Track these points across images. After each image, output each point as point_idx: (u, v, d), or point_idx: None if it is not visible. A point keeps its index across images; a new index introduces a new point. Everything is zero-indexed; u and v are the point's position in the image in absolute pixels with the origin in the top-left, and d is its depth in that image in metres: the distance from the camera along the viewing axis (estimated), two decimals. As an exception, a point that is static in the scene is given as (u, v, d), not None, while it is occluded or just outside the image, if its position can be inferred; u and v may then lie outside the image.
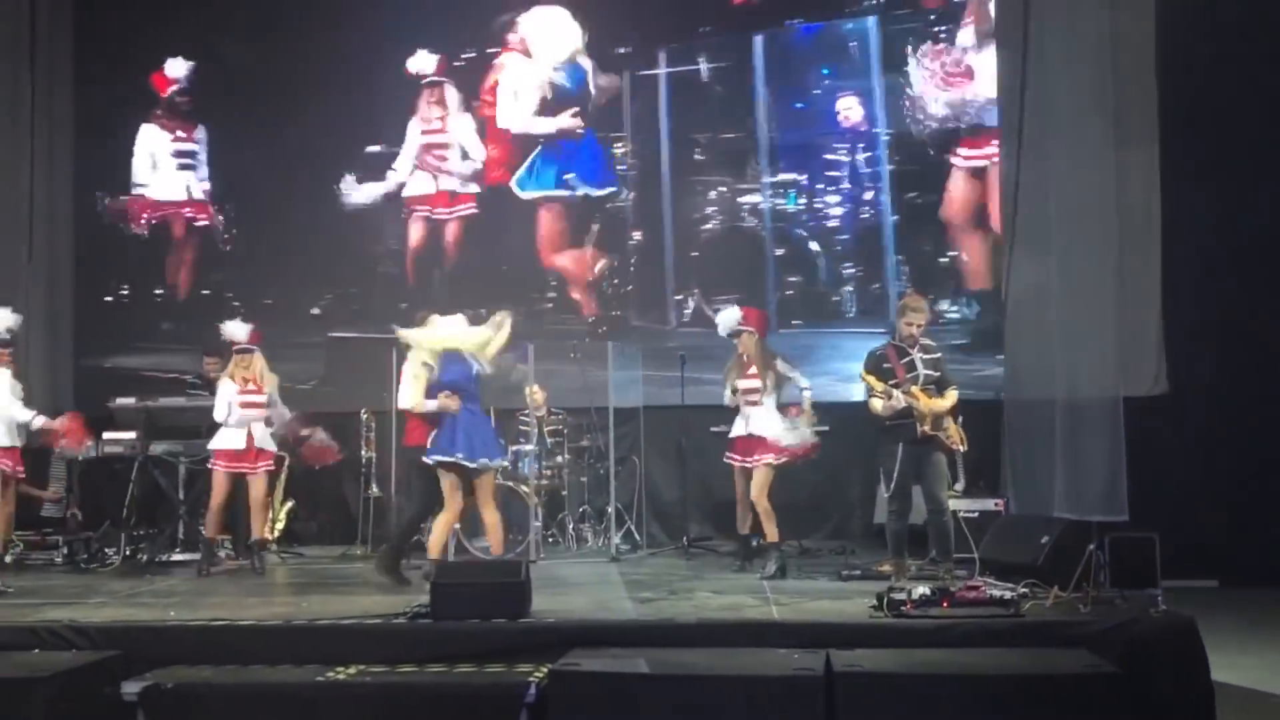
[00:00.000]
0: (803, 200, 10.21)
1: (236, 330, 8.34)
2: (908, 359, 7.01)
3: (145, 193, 10.79)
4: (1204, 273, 8.63)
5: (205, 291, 10.76)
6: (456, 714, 5.15)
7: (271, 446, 8.26)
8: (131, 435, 8.78)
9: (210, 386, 9.29)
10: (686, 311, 10.12)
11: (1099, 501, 7.82)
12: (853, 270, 10.09)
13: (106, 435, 8.73)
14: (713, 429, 8.45)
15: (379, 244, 10.66)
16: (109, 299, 10.75)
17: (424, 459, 7.17)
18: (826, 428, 7.80)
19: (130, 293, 10.84)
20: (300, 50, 10.48)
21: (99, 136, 10.70)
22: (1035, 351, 8.44)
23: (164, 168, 10.79)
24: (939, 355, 7.17)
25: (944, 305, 9.77)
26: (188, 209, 10.81)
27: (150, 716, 5.18)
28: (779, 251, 10.16)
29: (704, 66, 10.29)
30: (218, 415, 8.13)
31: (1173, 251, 8.50)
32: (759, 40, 10.19)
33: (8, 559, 8.75)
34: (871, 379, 7.00)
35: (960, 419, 7.20)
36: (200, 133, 10.79)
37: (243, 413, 8.06)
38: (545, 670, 5.22)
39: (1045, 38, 8.45)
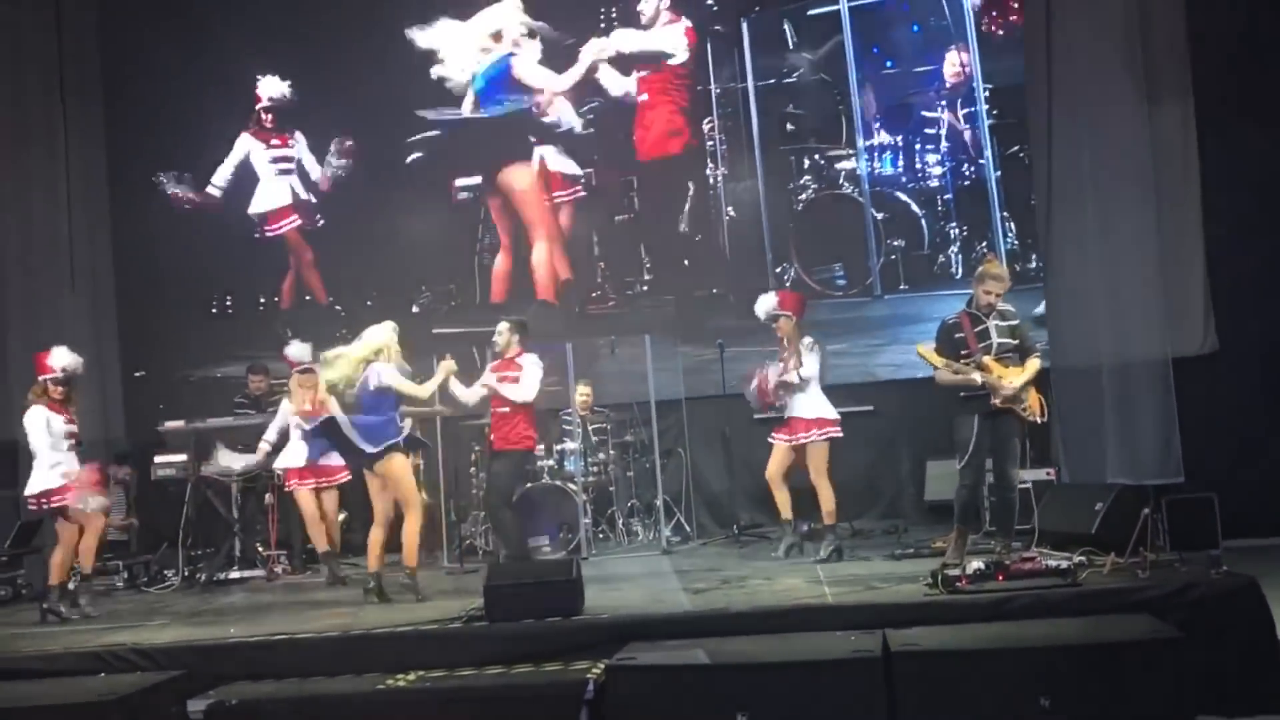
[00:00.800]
0: (901, 162, 10.04)
1: (300, 352, 8.52)
2: (981, 327, 6.56)
3: (255, 209, 10.90)
4: (1246, 226, 8.45)
5: (307, 297, 10.87)
6: (517, 714, 5.16)
7: (338, 461, 8.27)
8: (182, 458, 8.91)
9: (257, 404, 9.44)
10: (787, 281, 9.96)
11: (1153, 464, 7.74)
12: (957, 230, 9.88)
13: (158, 459, 8.86)
14: (756, 416, 8.42)
15: (472, 235, 10.65)
16: (214, 310, 10.91)
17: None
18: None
19: (233, 301, 10.99)
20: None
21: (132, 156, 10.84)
22: (1079, 317, 8.35)
23: (265, 176, 10.89)
24: (1017, 323, 6.67)
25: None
26: (293, 215, 10.90)
27: (216, 733, 5.26)
28: (880, 216, 9.97)
29: (789, 33, 10.15)
30: (268, 435, 8.25)
31: (1213, 206, 8.34)
32: (844, 5, 10.02)
33: (71, 585, 8.92)
34: (929, 354, 6.58)
35: (1039, 390, 6.74)
36: (297, 138, 10.90)
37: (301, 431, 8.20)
38: (603, 666, 5.23)
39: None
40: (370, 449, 6.89)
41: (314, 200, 10.95)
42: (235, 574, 8.78)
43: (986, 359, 6.51)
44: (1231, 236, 8.37)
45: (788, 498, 7.73)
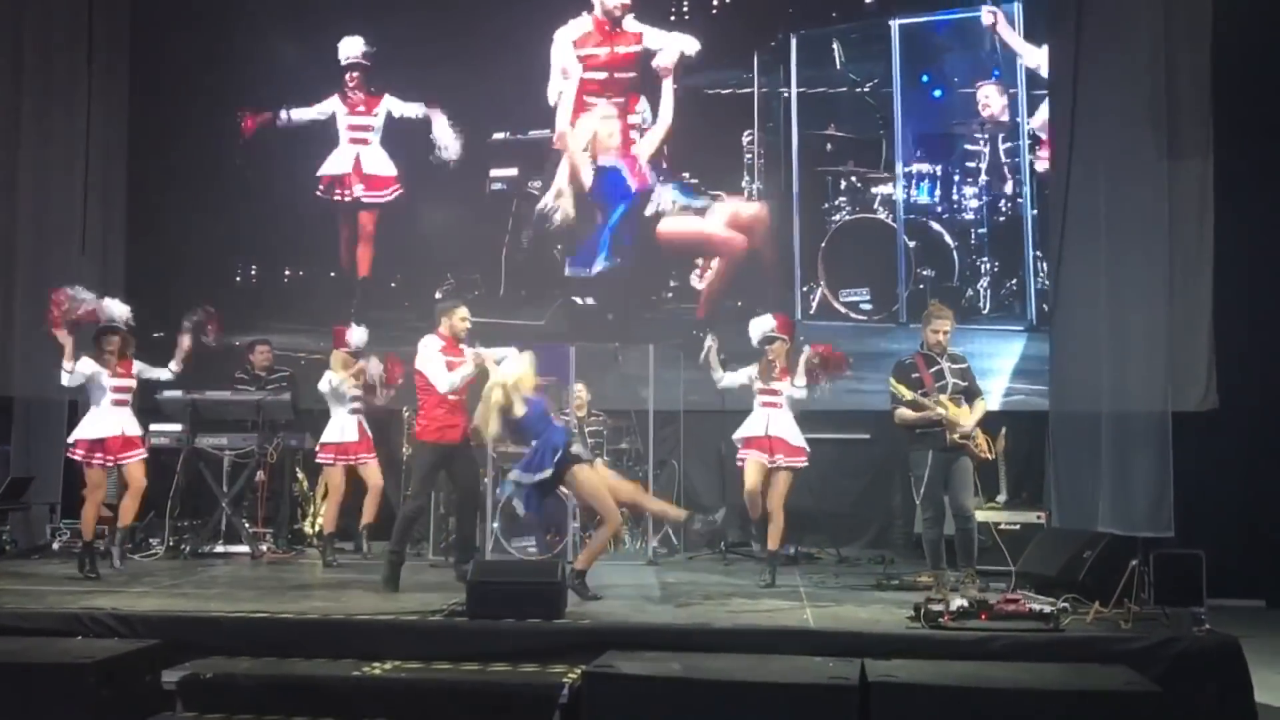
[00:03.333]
0: (938, 192, 10.00)
1: (359, 336, 8.72)
2: (936, 368, 7.08)
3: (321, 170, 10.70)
4: (1255, 288, 8.48)
5: (332, 274, 10.76)
6: (490, 713, 5.17)
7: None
8: (178, 427, 8.92)
9: (257, 379, 9.46)
10: (814, 302, 9.96)
11: (1144, 517, 7.72)
12: (988, 265, 9.86)
13: (153, 427, 8.87)
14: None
15: (502, 227, 10.56)
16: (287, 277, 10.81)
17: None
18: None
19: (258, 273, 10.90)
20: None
21: (155, 121, 10.77)
22: (1082, 363, 8.36)
23: (341, 139, 10.72)
24: (966, 365, 7.25)
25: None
26: (351, 182, 10.69)
27: (189, 705, 5.26)
28: (911, 244, 9.94)
29: (838, 53, 10.11)
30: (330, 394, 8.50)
31: (1224, 265, 8.35)
32: (896, 26, 9.98)
33: (55, 546, 8.94)
34: (900, 387, 7.04)
35: (987, 429, 7.22)
36: (382, 107, 10.70)
37: (351, 405, 8.43)
38: (579, 671, 5.23)
39: (1097, 47, 8.37)
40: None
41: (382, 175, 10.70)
42: (220, 548, 8.79)
43: (942, 397, 6.98)
44: (1240, 297, 8.38)
45: (781, 528, 7.58)
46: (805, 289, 10.10)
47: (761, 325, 7.78)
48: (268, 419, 8.99)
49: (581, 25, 10.38)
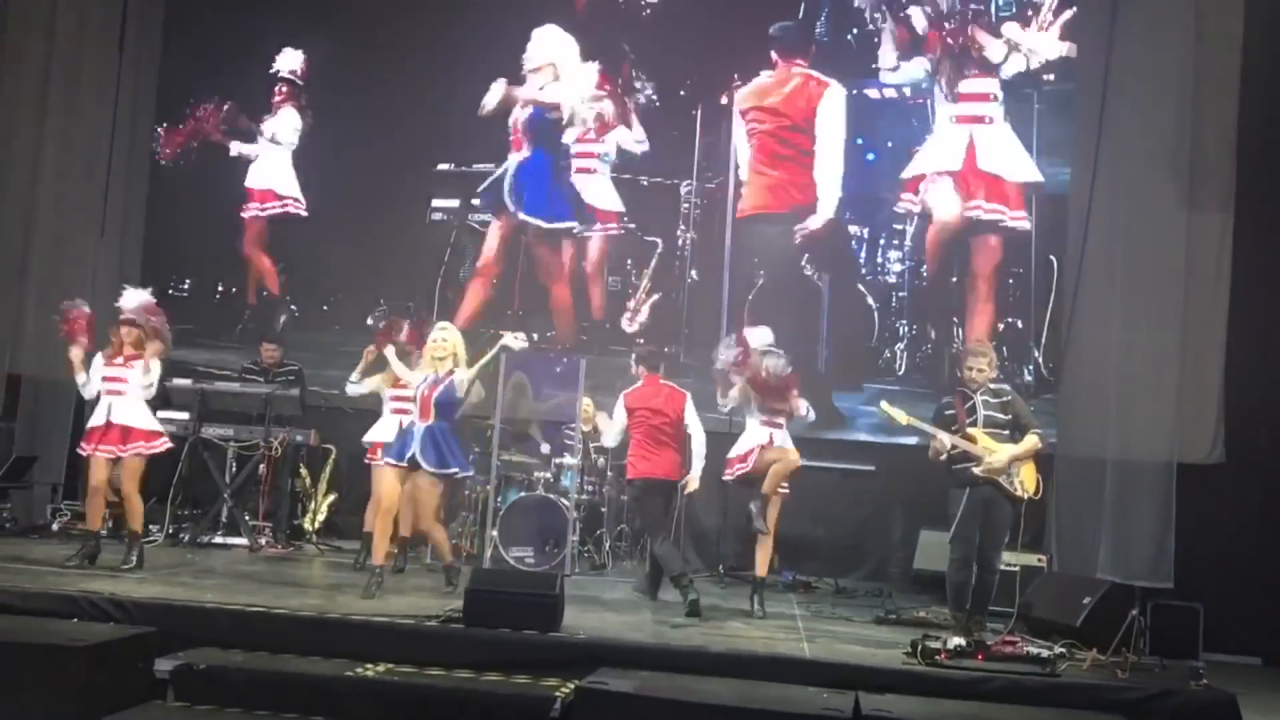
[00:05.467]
0: (864, 253, 10.08)
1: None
2: (970, 403, 6.75)
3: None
4: (1269, 343, 8.45)
5: (264, 292, 10.80)
6: (480, 721, 5.16)
7: None
8: (185, 416, 8.93)
9: (266, 373, 9.48)
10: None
11: (1145, 566, 7.73)
12: (906, 328, 9.92)
13: (161, 414, 8.86)
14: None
15: (439, 257, 10.61)
16: (170, 291, 10.59)
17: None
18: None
19: (190, 287, 10.86)
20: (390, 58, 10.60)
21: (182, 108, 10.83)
22: (1090, 409, 8.37)
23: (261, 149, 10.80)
24: (1009, 399, 6.81)
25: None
26: (282, 201, 10.80)
27: (180, 694, 5.26)
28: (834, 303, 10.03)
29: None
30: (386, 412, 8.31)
31: (1238, 320, 8.34)
32: (833, 91, 10.02)
33: (54, 526, 8.94)
34: (892, 410, 6.80)
35: (1031, 467, 6.79)
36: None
37: (394, 405, 8.15)
38: (572, 686, 5.23)
39: (1125, 98, 8.41)
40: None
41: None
42: (219, 539, 8.78)
43: (972, 430, 6.64)
44: (1252, 351, 8.37)
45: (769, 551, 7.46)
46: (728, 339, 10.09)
47: (729, 355, 7.47)
48: (274, 413, 8.99)
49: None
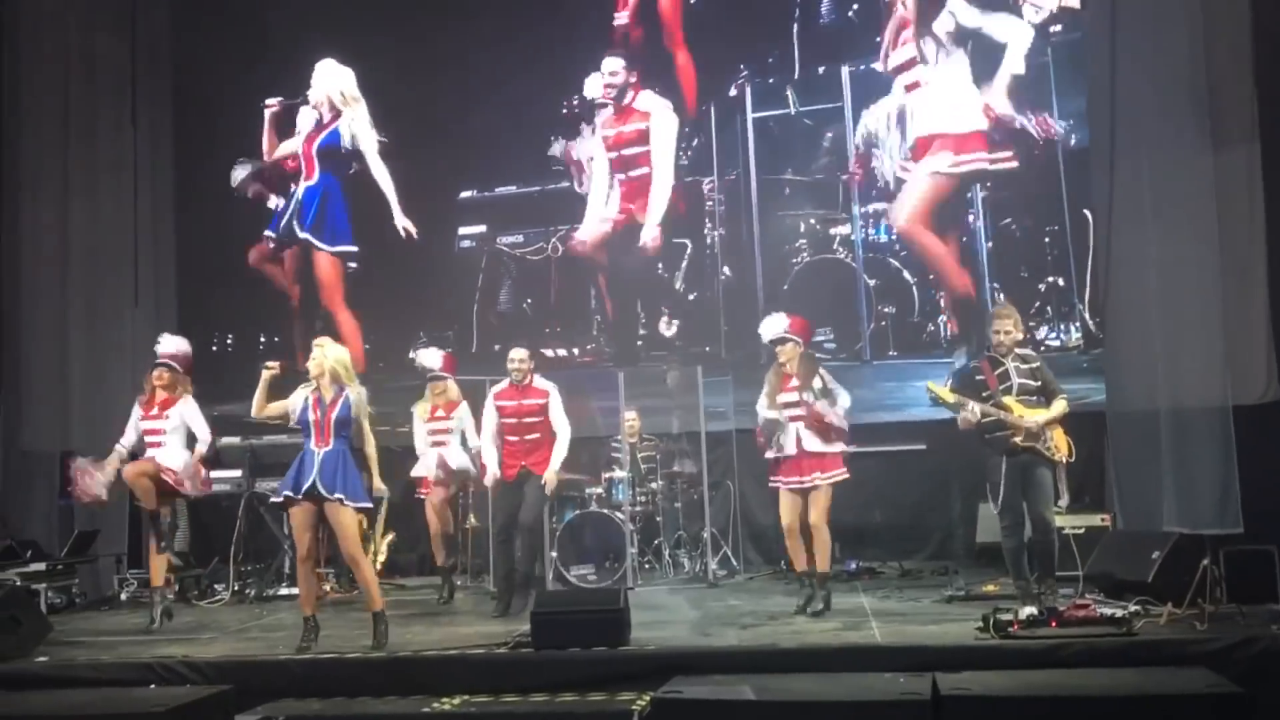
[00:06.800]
0: (895, 229, 10.01)
1: (431, 358, 8.53)
2: (1001, 369, 6.72)
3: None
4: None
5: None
6: (561, 743, 5.17)
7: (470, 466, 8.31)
8: (237, 473, 9.04)
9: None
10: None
11: (1211, 514, 7.60)
12: (946, 298, 9.82)
13: (214, 474, 8.96)
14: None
15: (472, 283, 10.74)
16: (214, 348, 10.89)
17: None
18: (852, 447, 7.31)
19: (233, 341, 11.06)
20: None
21: (200, 173, 11.01)
22: (1137, 362, 8.25)
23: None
24: (1038, 365, 6.83)
25: (1043, 333, 9.50)
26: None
27: (263, 749, 5.30)
28: (872, 282, 9.97)
29: (792, 99, 10.17)
30: (418, 444, 8.40)
31: (1278, 253, 8.20)
32: (846, 72, 10.04)
33: (123, 596, 9.06)
34: (938, 389, 6.71)
35: (1063, 431, 6.87)
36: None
37: (431, 439, 8.28)
38: (648, 698, 5.22)
39: (1134, 36, 8.30)
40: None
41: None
42: (285, 590, 8.86)
43: (1007, 399, 6.62)
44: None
45: (829, 546, 7.14)
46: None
47: (777, 325, 7.20)
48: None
49: (607, 110, 10.51)
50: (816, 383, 7.03)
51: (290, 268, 10.88)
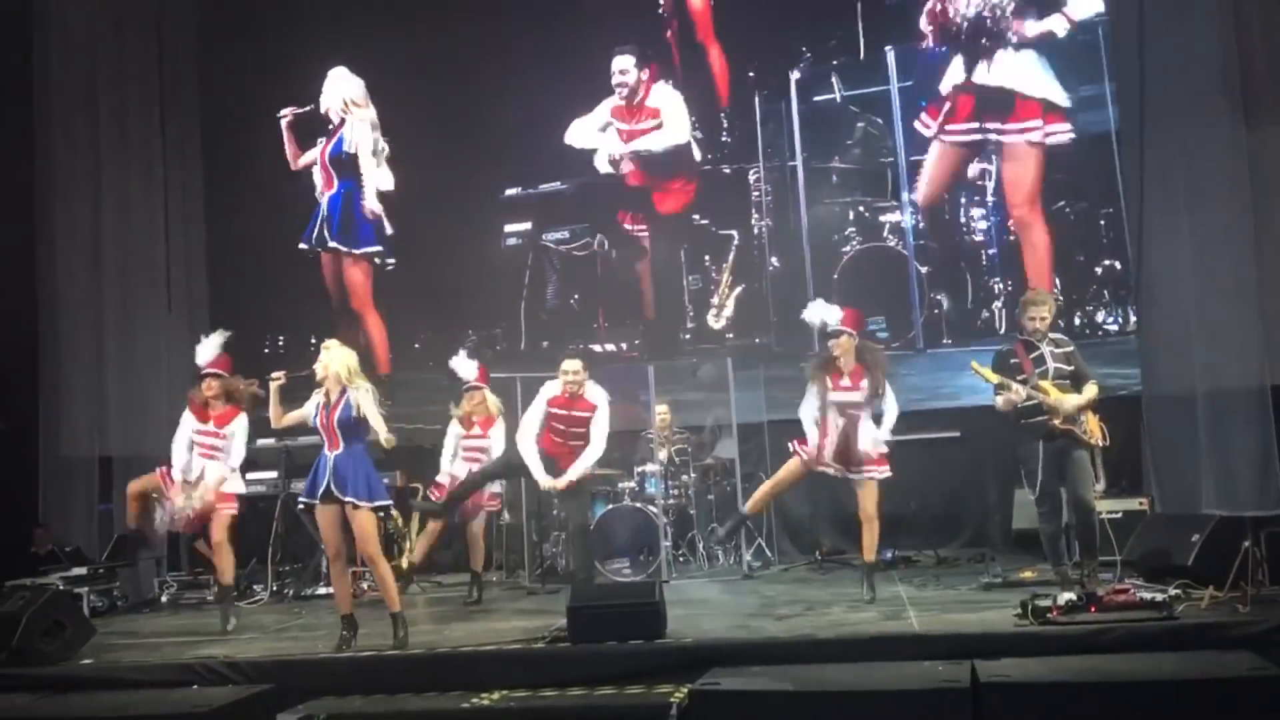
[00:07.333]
0: (946, 216, 9.94)
1: (466, 369, 8.40)
2: (1037, 353, 6.68)
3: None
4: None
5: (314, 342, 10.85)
6: (600, 736, 5.18)
7: (497, 489, 8.28)
8: (273, 475, 9.10)
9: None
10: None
11: (1251, 495, 7.53)
12: (1001, 285, 9.77)
13: (250, 475, 9.04)
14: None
15: (519, 280, 10.77)
16: (266, 350, 10.96)
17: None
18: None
19: (285, 342, 11.16)
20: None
21: (228, 179, 11.11)
22: (1173, 343, 8.18)
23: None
24: (1072, 349, 6.79)
25: (1100, 316, 9.45)
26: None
27: (305, 747, 5.34)
28: (924, 269, 9.91)
29: (837, 85, 10.14)
30: (444, 458, 8.38)
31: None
32: (891, 54, 9.97)
33: (164, 599, 9.16)
34: (984, 370, 6.63)
35: (1098, 415, 6.83)
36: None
37: (465, 455, 8.29)
38: (686, 690, 5.21)
39: (1163, 14, 8.21)
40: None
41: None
42: (322, 589, 8.92)
43: (1043, 382, 6.58)
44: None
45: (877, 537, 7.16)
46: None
47: (831, 315, 7.07)
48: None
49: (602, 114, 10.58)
50: (870, 384, 6.99)
51: (329, 273, 11.01)
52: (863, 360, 7.05)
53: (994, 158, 9.75)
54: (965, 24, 9.76)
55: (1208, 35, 8.04)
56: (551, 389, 7.56)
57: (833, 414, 7.01)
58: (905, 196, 9.99)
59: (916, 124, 9.86)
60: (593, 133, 10.57)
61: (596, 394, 7.56)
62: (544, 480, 7.44)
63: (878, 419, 7.07)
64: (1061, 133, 9.51)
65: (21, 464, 9.39)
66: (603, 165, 10.58)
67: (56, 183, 9.96)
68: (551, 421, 7.56)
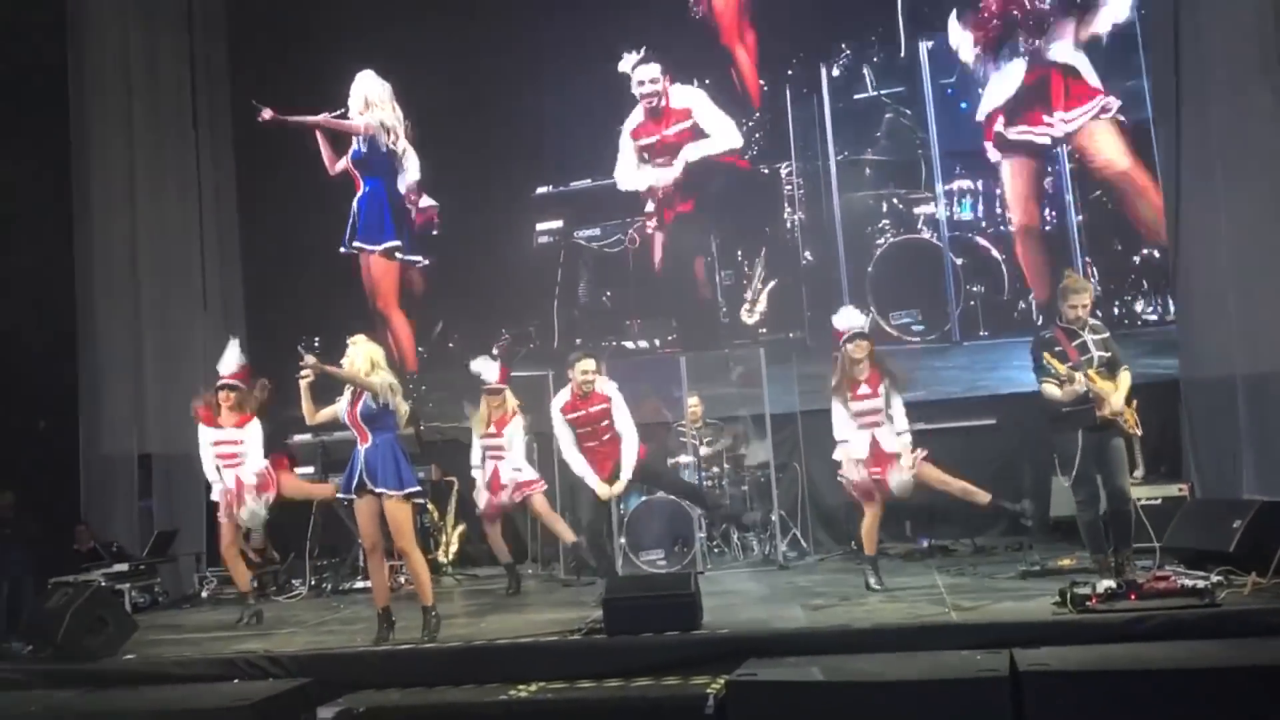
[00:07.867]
0: (980, 207, 9.88)
1: (488, 370, 8.43)
2: (1079, 341, 6.61)
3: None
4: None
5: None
6: (638, 727, 5.18)
7: (529, 475, 8.31)
8: (310, 470, 9.18)
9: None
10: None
11: (1293, 480, 7.42)
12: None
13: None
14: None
15: (551, 279, 10.82)
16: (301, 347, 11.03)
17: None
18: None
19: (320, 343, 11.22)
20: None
21: (261, 178, 11.19)
22: (1211, 327, 8.08)
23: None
24: (1108, 335, 6.75)
25: (1139, 306, 9.38)
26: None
27: (345, 740, 5.38)
28: (959, 261, 9.85)
29: (869, 78, 10.12)
30: (473, 461, 8.43)
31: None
32: (924, 47, 9.95)
33: (204, 594, 9.26)
34: (1055, 362, 6.54)
35: (1135, 402, 6.77)
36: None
37: (488, 455, 8.32)
38: (722, 681, 5.21)
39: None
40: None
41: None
42: (360, 584, 8.98)
43: (1090, 371, 6.51)
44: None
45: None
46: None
47: (857, 320, 7.10)
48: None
49: (635, 117, 10.60)
50: (885, 388, 7.00)
51: (364, 274, 11.15)
52: (878, 363, 7.06)
53: (1062, 148, 9.63)
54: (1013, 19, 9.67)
55: (1244, 19, 7.91)
56: (559, 401, 7.58)
57: (858, 425, 7.00)
58: (939, 188, 9.90)
59: (988, 152, 9.79)
60: (634, 171, 10.62)
61: (604, 385, 7.58)
62: (601, 490, 7.43)
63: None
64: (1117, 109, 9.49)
65: (62, 462, 9.51)
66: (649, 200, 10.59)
67: (93, 186, 10.05)
68: (578, 429, 7.56)
